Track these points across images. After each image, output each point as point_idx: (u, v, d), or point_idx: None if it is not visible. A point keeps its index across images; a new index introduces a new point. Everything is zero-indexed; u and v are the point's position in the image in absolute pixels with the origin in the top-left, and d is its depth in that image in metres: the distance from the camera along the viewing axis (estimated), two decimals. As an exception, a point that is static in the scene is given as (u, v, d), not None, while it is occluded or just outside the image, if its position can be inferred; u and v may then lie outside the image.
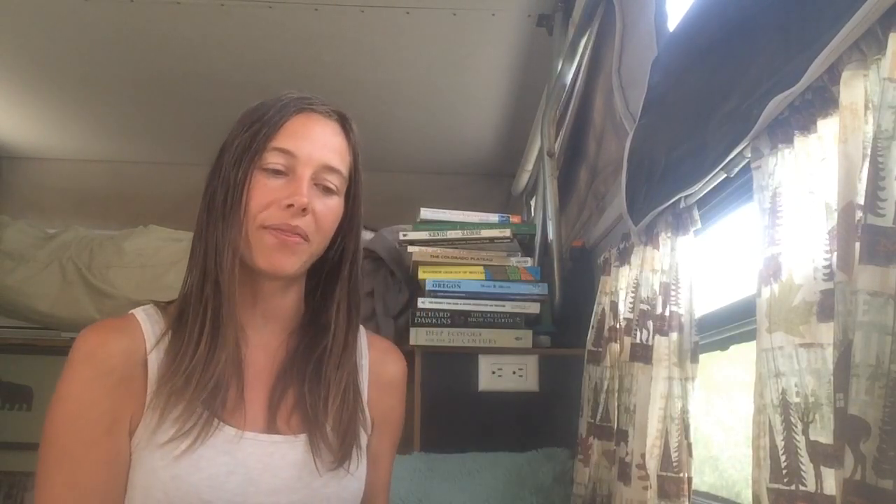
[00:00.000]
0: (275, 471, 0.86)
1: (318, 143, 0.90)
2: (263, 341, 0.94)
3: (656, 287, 1.12)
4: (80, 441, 0.84)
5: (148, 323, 0.91)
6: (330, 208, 0.92)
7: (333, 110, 0.94)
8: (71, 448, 0.84)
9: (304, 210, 0.87)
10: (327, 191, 0.91)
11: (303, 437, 0.90)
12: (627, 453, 1.14)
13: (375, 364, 1.01)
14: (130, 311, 0.93)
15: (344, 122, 0.95)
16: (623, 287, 1.30)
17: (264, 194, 0.88)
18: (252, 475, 0.85)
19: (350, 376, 0.95)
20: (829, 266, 0.69)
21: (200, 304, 0.88)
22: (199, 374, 0.85)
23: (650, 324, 1.12)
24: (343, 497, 0.90)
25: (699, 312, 1.06)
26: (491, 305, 1.77)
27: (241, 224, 0.88)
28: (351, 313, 0.96)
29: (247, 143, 0.89)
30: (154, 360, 0.88)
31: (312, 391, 0.91)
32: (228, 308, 0.88)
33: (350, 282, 0.96)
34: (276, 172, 0.89)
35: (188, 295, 0.91)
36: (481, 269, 1.81)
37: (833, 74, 0.70)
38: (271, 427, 0.89)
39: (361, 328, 1.03)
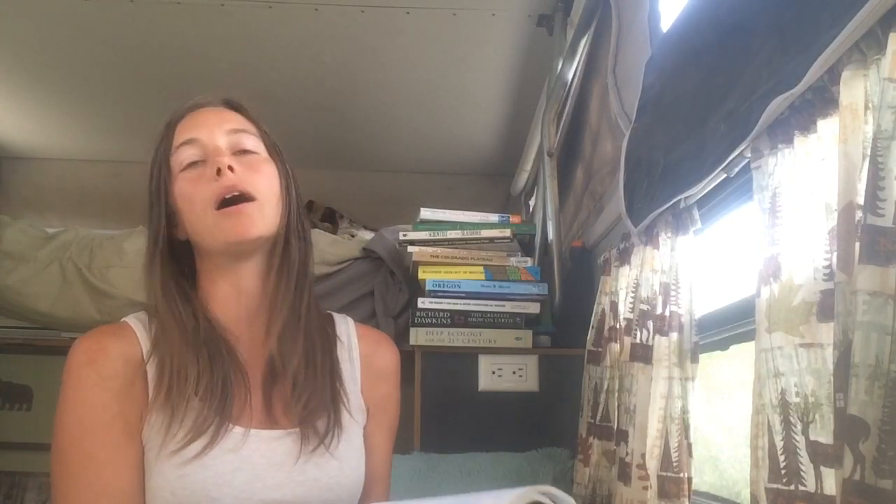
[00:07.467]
0: (278, 465, 0.87)
1: (213, 123, 0.94)
2: (254, 337, 0.94)
3: (656, 287, 1.12)
4: (101, 445, 0.84)
5: (142, 329, 0.92)
6: (255, 163, 0.93)
7: (221, 99, 0.98)
8: (94, 453, 0.83)
9: (229, 168, 0.89)
10: (246, 152, 0.94)
11: (299, 429, 0.90)
12: (627, 453, 1.14)
13: (367, 354, 1.01)
14: (122, 319, 0.94)
15: (233, 105, 0.98)
16: (623, 287, 1.30)
17: (193, 186, 0.91)
18: (257, 471, 0.85)
19: (313, 351, 0.93)
20: (829, 266, 0.69)
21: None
22: (199, 386, 0.86)
23: (650, 324, 1.12)
24: (343, 484, 0.90)
25: (699, 312, 1.06)
26: (491, 305, 1.78)
27: (198, 222, 0.90)
28: (299, 285, 0.95)
29: (156, 161, 0.94)
30: (151, 365, 0.89)
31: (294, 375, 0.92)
32: (207, 320, 0.90)
33: (294, 254, 0.95)
34: (193, 164, 0.92)
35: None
36: (481, 269, 1.81)
37: (833, 75, 0.70)
38: (272, 422, 0.90)
39: (350, 319, 1.04)
